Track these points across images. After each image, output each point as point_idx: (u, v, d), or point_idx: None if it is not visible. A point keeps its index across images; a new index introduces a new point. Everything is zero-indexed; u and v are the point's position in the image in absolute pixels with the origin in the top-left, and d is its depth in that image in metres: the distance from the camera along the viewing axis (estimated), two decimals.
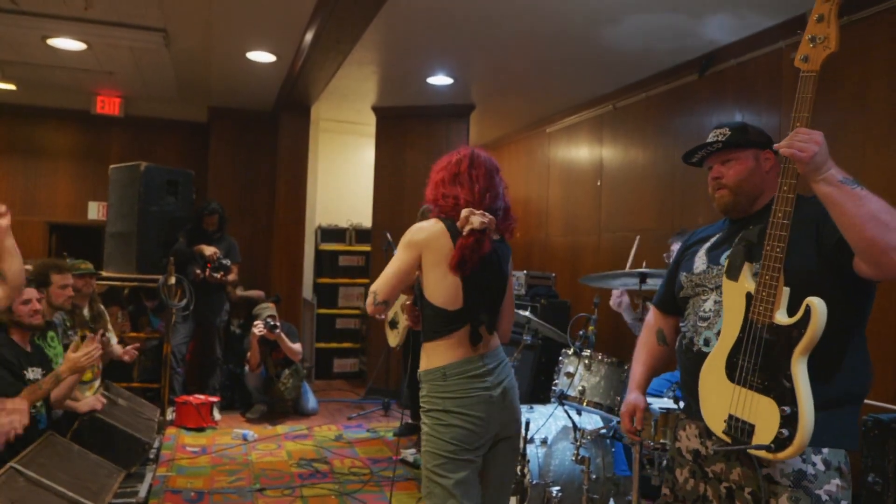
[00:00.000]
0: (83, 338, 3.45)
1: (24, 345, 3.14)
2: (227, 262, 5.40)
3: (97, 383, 4.08)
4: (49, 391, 2.98)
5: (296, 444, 4.78)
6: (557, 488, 2.98)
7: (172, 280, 4.91)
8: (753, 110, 4.11)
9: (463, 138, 6.51)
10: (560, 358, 3.19)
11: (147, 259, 5.30)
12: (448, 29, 4.36)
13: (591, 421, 3.23)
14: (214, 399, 5.24)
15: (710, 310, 1.80)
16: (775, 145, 1.60)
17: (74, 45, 4.94)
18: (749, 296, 1.63)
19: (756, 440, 1.57)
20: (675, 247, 3.02)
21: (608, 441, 3.16)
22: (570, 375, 3.06)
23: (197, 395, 5.20)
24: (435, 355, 2.08)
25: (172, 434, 4.87)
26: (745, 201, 1.84)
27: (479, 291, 2.09)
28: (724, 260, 1.82)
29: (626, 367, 2.92)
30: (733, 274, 1.70)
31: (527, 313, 3.65)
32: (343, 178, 7.70)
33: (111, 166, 5.71)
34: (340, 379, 7.29)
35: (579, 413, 3.11)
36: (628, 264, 3.81)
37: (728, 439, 1.64)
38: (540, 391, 4.38)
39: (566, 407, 3.07)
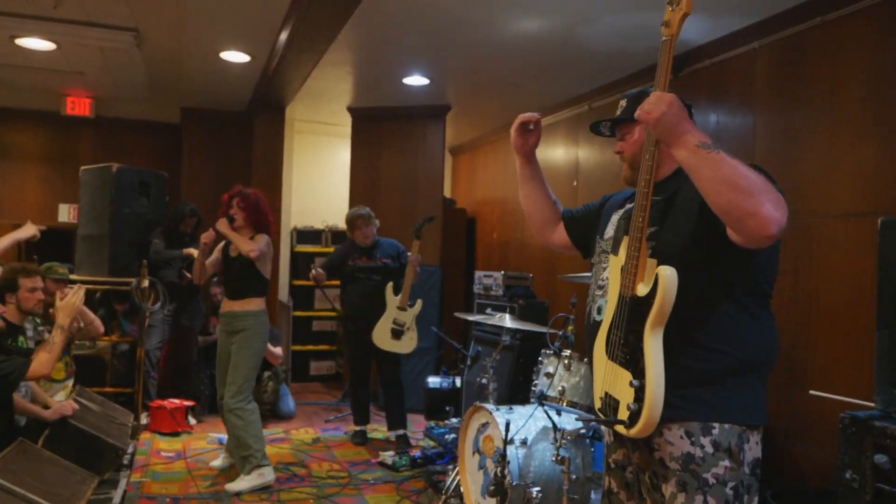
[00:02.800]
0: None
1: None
2: None
3: (70, 383, 4.00)
4: (62, 344, 3.06)
5: (273, 447, 4.73)
6: (538, 489, 2.98)
7: (146, 283, 4.82)
8: (728, 110, 4.16)
9: (439, 139, 6.50)
10: (540, 358, 3.19)
11: (119, 262, 5.20)
12: (423, 30, 4.35)
13: (571, 421, 3.24)
14: (189, 403, 5.17)
15: (606, 278, 1.75)
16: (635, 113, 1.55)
17: (43, 44, 4.83)
18: (622, 269, 1.60)
19: (620, 416, 1.54)
20: None
21: (588, 441, 3.16)
22: (550, 376, 3.06)
23: (172, 400, 5.12)
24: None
25: (147, 439, 4.78)
26: (661, 177, 1.73)
27: None
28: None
29: None
30: (615, 248, 1.68)
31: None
32: (318, 180, 7.64)
33: (82, 168, 5.59)
34: (317, 381, 7.23)
35: (559, 413, 3.12)
36: None
37: (601, 414, 1.62)
38: (519, 392, 4.38)
39: (546, 407, 3.07)
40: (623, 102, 1.84)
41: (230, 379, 3.95)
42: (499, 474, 2.98)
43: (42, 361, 2.92)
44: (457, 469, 3.54)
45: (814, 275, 3.51)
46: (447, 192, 7.73)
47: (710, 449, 1.55)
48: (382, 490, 3.96)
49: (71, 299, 3.09)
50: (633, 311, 1.54)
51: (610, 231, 1.84)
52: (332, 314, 7.32)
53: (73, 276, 4.52)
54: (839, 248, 3.39)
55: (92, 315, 4.23)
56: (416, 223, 4.79)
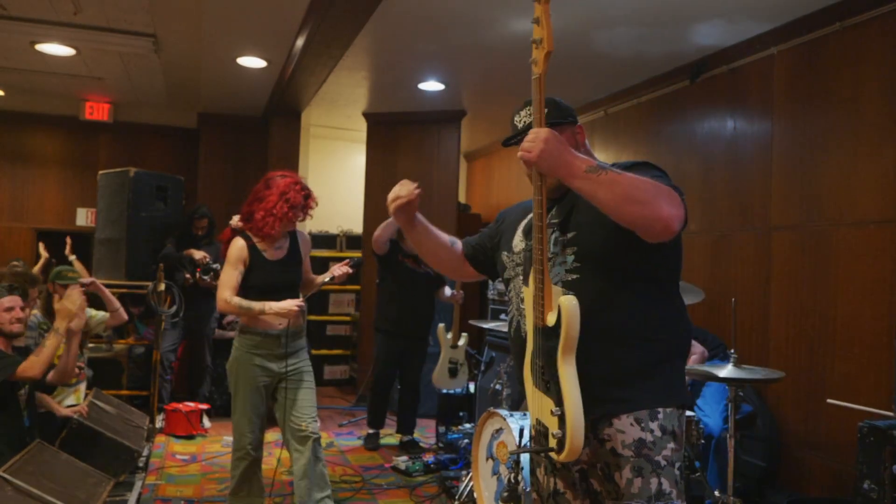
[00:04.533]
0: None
1: (7, 349, 3.10)
2: (216, 266, 5.37)
3: (82, 387, 4.02)
4: (55, 347, 2.98)
5: (286, 451, 4.72)
6: None
7: (162, 286, 4.86)
8: (745, 116, 4.12)
9: (454, 144, 6.51)
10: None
11: (136, 265, 5.25)
12: (439, 35, 4.36)
13: None
14: (204, 406, 5.19)
15: (523, 299, 1.74)
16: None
17: (63, 50, 4.90)
18: (533, 300, 1.63)
19: (551, 442, 1.58)
20: None
21: None
22: None
23: (187, 403, 5.15)
24: None
25: (162, 442, 4.81)
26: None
27: None
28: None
29: None
30: (526, 279, 1.70)
31: None
32: (333, 184, 7.66)
33: (100, 172, 5.66)
34: (331, 386, 7.24)
35: None
36: None
37: (534, 441, 1.68)
38: None
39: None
40: (522, 115, 1.84)
41: (310, 403, 3.20)
42: (512, 480, 2.96)
43: (30, 363, 2.90)
44: (470, 475, 3.52)
45: (832, 283, 3.47)
46: (462, 198, 7.73)
47: (658, 433, 1.62)
48: (396, 495, 3.95)
49: (66, 303, 3.04)
50: (546, 340, 1.58)
51: (518, 244, 1.85)
52: (347, 318, 7.33)
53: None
54: (858, 256, 3.34)
55: (116, 303, 4.25)
56: None
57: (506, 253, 1.90)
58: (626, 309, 1.64)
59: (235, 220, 3.26)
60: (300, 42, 4.52)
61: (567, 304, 1.52)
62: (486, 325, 4.06)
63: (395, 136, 6.60)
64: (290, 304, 2.98)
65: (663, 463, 1.61)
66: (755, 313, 3.87)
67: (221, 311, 3.01)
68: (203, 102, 6.49)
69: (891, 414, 2.49)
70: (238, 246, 3.05)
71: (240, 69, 5.29)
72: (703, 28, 3.96)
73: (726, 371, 2.81)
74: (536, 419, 1.68)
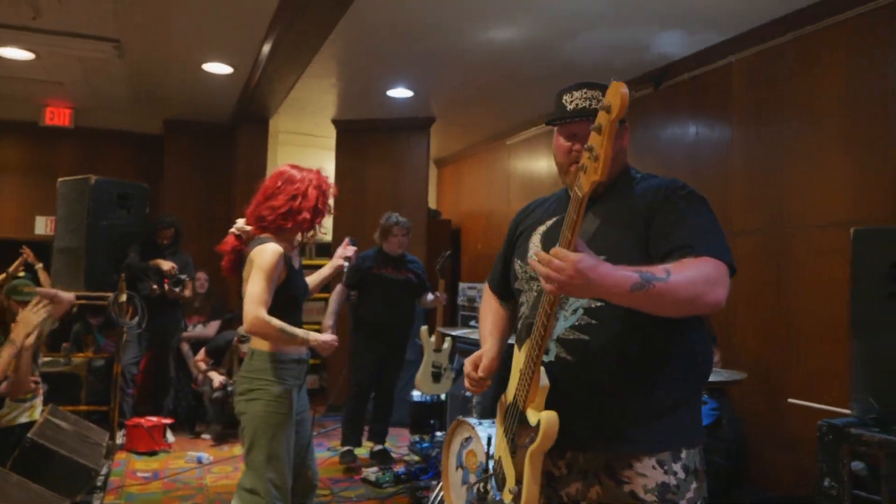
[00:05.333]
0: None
1: None
2: (183, 276, 5.27)
3: (38, 402, 3.89)
4: (9, 357, 2.84)
5: None
6: None
7: (123, 297, 4.75)
8: (706, 123, 4.20)
9: (423, 151, 6.50)
10: None
11: (96, 275, 5.10)
12: (407, 42, 4.36)
13: None
14: (168, 421, 5.08)
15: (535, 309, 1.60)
16: (531, 261, 1.40)
17: (21, 54, 4.78)
18: (520, 373, 1.58)
19: (505, 495, 1.61)
20: None
21: None
22: None
23: (149, 417, 5.03)
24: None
25: (122, 459, 4.68)
26: (606, 181, 1.57)
27: None
28: None
29: None
30: (519, 343, 1.64)
31: None
32: None
33: (60, 179, 5.52)
34: None
35: None
36: None
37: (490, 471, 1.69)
38: None
39: None
40: (598, 93, 1.66)
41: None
42: (482, 489, 2.95)
43: None
44: (440, 485, 3.50)
45: (793, 285, 3.54)
46: (432, 204, 7.72)
47: (682, 475, 1.54)
48: None
49: (29, 315, 2.89)
50: (523, 429, 1.53)
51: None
52: (317, 327, 7.23)
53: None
54: (817, 258, 3.42)
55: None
56: (438, 262, 4.63)
57: (519, 262, 1.77)
58: (653, 341, 1.53)
59: (241, 224, 2.75)
60: (267, 48, 4.48)
61: (547, 423, 1.47)
62: (454, 333, 4.04)
63: (365, 143, 6.57)
64: (330, 339, 2.63)
65: None
66: (720, 316, 3.93)
67: (250, 332, 2.47)
68: (168, 108, 6.39)
69: (848, 412, 2.54)
70: (278, 253, 2.50)
71: (206, 75, 5.22)
72: (665, 37, 4.02)
73: None
74: (499, 458, 1.67)
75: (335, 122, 6.56)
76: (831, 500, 2.42)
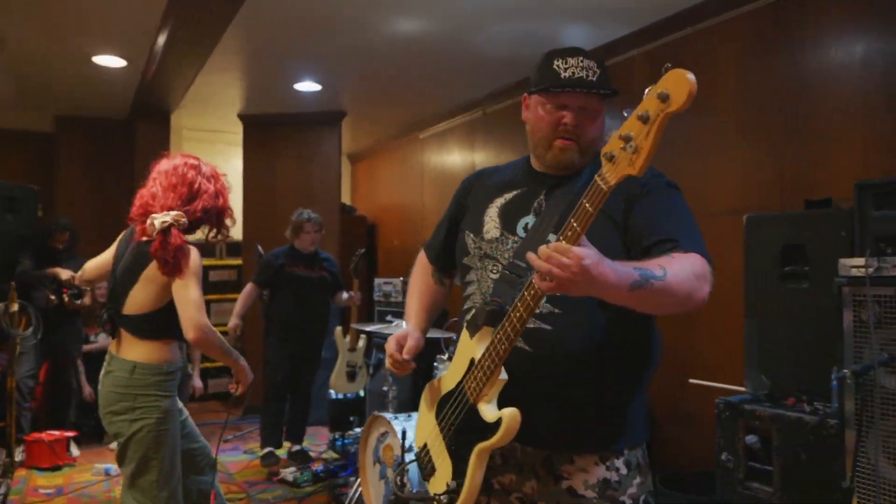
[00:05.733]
0: None
1: None
2: (86, 288, 4.97)
3: None
4: None
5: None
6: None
7: (15, 307, 4.43)
8: (612, 114, 4.32)
9: (335, 146, 6.41)
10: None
11: None
12: (311, 34, 4.27)
13: None
14: (71, 434, 4.81)
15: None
16: (529, 256, 1.24)
17: None
18: (472, 362, 1.44)
19: (432, 484, 1.55)
20: None
21: None
22: None
23: (50, 431, 4.74)
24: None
25: (22, 477, 4.40)
26: (579, 164, 1.53)
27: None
28: (521, 230, 1.52)
29: None
30: (472, 330, 1.47)
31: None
32: None
33: None
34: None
35: None
36: None
37: (416, 462, 1.63)
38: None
39: None
40: (594, 66, 1.55)
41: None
42: (398, 483, 2.95)
43: None
44: (359, 481, 3.48)
45: None
46: (347, 199, 7.63)
47: (624, 470, 1.49)
48: None
49: None
50: (472, 422, 1.43)
51: (491, 229, 1.57)
52: (224, 330, 7.03)
53: None
54: (714, 244, 3.58)
55: None
56: (352, 261, 4.57)
57: (472, 235, 1.61)
58: (615, 334, 1.46)
59: (174, 217, 2.35)
60: (162, 40, 4.28)
61: (510, 422, 1.35)
62: (370, 329, 4.02)
63: (273, 138, 6.41)
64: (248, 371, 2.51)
65: (628, 503, 1.47)
66: None
67: (195, 342, 2.26)
68: (59, 104, 6.01)
69: (743, 389, 2.69)
70: (198, 254, 2.37)
71: (97, 68, 4.94)
72: (571, 30, 4.11)
73: None
74: (425, 444, 1.58)
75: (241, 116, 6.37)
76: (728, 472, 2.57)
